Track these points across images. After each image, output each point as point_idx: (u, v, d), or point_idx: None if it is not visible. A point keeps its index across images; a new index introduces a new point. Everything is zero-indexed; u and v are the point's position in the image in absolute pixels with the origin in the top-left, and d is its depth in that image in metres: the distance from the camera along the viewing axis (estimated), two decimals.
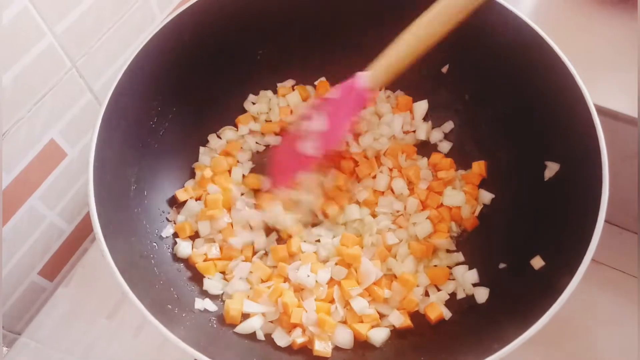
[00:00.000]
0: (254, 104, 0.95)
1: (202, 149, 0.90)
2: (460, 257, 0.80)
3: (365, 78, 0.77)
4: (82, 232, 0.97)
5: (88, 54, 0.83)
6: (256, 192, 0.87)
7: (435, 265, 0.80)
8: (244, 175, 0.88)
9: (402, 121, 0.91)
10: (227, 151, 0.90)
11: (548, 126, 0.73)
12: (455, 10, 0.67)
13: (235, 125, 0.93)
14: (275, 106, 0.94)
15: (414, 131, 0.91)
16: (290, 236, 0.81)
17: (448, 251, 0.81)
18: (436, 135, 0.91)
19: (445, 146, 0.90)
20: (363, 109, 0.84)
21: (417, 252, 0.78)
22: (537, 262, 0.67)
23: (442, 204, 0.84)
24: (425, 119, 0.92)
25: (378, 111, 0.93)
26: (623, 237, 0.95)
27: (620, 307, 0.87)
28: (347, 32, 0.89)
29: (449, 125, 0.91)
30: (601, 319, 0.86)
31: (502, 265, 0.75)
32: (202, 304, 0.74)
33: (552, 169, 0.72)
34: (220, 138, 0.92)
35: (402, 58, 0.72)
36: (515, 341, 0.54)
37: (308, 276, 0.74)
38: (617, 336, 0.84)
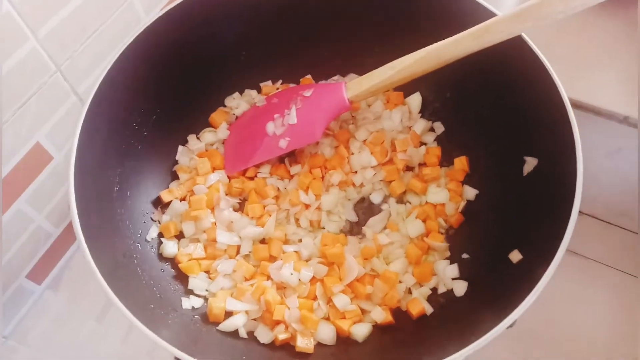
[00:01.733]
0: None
1: (180, 148, 0.90)
2: (447, 252, 0.80)
3: (346, 88, 0.82)
4: (70, 235, 0.97)
5: (72, 57, 0.84)
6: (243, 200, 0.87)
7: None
8: (229, 177, 0.88)
9: (401, 115, 0.91)
10: (203, 154, 0.90)
11: (526, 122, 0.74)
12: (449, 54, 0.72)
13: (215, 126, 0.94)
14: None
15: (410, 127, 0.91)
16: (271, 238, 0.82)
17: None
18: (427, 138, 0.91)
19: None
20: (338, 116, 0.86)
21: (412, 257, 0.78)
22: (515, 256, 0.68)
23: (426, 202, 0.84)
24: (422, 115, 0.92)
25: (373, 110, 0.93)
26: (605, 230, 0.96)
27: (600, 296, 0.88)
28: (331, 31, 0.89)
29: (439, 128, 0.91)
30: (579, 308, 0.87)
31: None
32: (189, 302, 0.75)
33: (530, 163, 0.73)
34: (199, 140, 0.92)
35: (387, 83, 0.78)
36: (493, 330, 0.55)
37: (291, 274, 0.75)
38: (593, 323, 0.86)
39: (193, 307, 0.74)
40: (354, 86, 0.82)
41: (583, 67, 0.92)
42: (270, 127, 0.87)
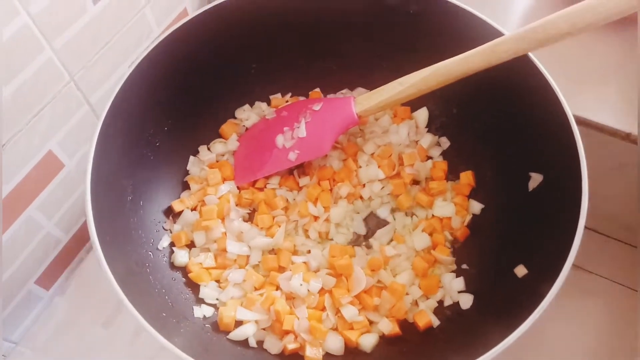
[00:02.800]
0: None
1: (192, 158, 0.91)
2: (453, 266, 0.81)
3: (355, 103, 0.83)
4: (79, 241, 0.98)
5: (86, 67, 0.85)
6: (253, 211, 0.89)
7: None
8: (239, 188, 0.90)
9: (408, 129, 0.92)
10: (214, 165, 0.91)
11: (531, 138, 0.75)
12: (456, 73, 0.74)
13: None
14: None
15: (417, 141, 0.93)
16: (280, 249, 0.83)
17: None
18: (433, 152, 0.92)
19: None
20: (347, 130, 0.88)
21: (419, 270, 0.79)
22: (521, 271, 0.69)
23: (432, 216, 0.86)
24: (429, 130, 0.94)
25: (380, 124, 0.95)
26: (608, 245, 0.97)
27: (606, 313, 0.89)
28: (340, 46, 0.91)
29: (445, 143, 0.92)
30: (585, 324, 0.88)
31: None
32: (200, 311, 0.76)
33: (535, 180, 0.74)
34: (210, 151, 0.93)
35: (395, 99, 0.80)
36: (498, 346, 0.56)
37: (301, 285, 0.76)
38: (593, 337, 0.86)
39: (204, 315, 0.75)
40: (363, 101, 0.83)
41: (586, 83, 0.93)
42: (280, 140, 0.89)
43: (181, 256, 0.81)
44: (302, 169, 0.91)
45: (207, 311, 0.76)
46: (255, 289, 0.79)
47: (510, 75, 0.75)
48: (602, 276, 0.92)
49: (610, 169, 0.93)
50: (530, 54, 0.72)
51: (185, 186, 0.89)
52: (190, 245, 0.83)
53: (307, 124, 0.87)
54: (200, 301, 0.77)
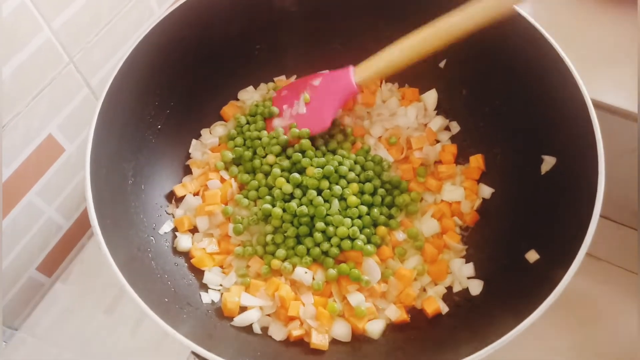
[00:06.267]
0: None
1: (194, 142, 0.89)
2: (463, 251, 0.79)
3: (353, 73, 0.81)
4: (80, 227, 0.97)
5: (85, 48, 0.83)
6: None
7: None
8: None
9: (416, 112, 0.90)
10: (216, 149, 0.89)
11: (545, 120, 0.73)
12: (455, 30, 0.71)
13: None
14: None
15: (425, 124, 0.90)
16: None
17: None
18: (442, 137, 0.89)
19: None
20: (347, 101, 0.86)
21: (429, 256, 0.77)
22: (532, 256, 0.67)
23: (441, 200, 0.83)
24: (437, 113, 0.91)
25: (388, 106, 0.92)
26: (620, 232, 0.96)
27: (617, 302, 0.87)
28: (345, 25, 0.89)
29: (455, 128, 0.89)
30: (598, 313, 0.86)
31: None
32: (208, 297, 0.74)
33: (548, 162, 0.72)
34: (212, 134, 0.91)
35: (395, 64, 0.77)
36: (510, 333, 0.54)
37: (306, 273, 0.74)
38: (613, 330, 0.85)
39: (213, 300, 0.74)
40: (361, 70, 0.81)
41: (599, 64, 0.91)
42: (276, 123, 0.87)
43: (184, 241, 0.79)
44: None
45: (215, 296, 0.75)
46: (259, 275, 0.77)
47: (524, 55, 0.73)
48: (614, 264, 0.91)
49: (622, 152, 0.91)
50: (546, 34, 0.70)
51: (188, 170, 0.87)
52: (193, 230, 0.82)
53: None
54: (204, 287, 0.76)
